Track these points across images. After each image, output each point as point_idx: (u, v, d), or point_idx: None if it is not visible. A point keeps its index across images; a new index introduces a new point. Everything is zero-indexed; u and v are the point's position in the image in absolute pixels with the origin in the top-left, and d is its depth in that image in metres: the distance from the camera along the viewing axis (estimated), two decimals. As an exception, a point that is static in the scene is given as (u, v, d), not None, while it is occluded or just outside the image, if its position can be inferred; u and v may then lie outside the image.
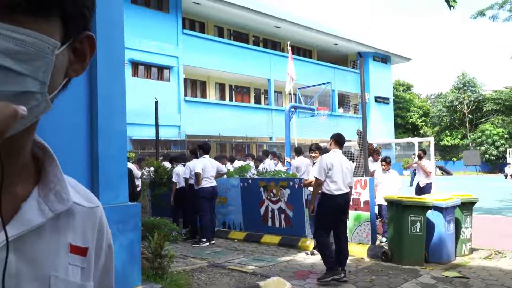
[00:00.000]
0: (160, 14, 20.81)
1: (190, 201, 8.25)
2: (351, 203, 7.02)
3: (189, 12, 22.83)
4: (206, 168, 7.97)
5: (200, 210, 8.02)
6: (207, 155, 8.21)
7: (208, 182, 7.99)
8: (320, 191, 5.59)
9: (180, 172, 8.74)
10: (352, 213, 7.08)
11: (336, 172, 5.51)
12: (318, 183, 5.56)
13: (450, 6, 7.48)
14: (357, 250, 6.81)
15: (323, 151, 7.09)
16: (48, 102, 0.54)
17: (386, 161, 8.13)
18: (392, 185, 7.83)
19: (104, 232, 0.70)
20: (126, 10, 18.36)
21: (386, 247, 6.62)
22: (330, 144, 5.81)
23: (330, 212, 5.52)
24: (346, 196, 5.61)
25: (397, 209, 6.26)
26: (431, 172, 9.54)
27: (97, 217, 0.68)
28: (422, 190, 9.37)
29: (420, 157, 9.96)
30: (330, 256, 5.49)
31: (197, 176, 7.90)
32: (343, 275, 5.42)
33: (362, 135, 7.78)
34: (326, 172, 5.50)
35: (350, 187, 5.79)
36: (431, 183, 9.59)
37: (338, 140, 5.76)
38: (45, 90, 0.53)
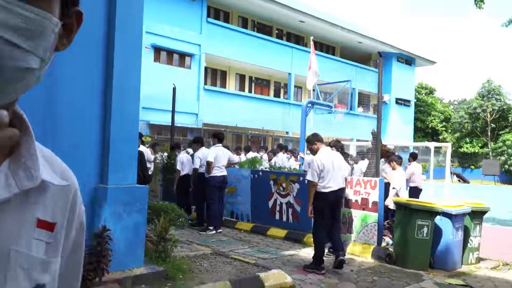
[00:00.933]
0: (185, 1, 20.87)
1: (198, 189, 8.31)
2: (360, 202, 7.03)
3: (215, 1, 22.82)
4: (218, 157, 7.99)
5: (209, 198, 8.07)
6: (220, 144, 8.23)
7: (219, 171, 8.02)
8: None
9: (184, 160, 8.81)
10: (360, 213, 7.06)
11: (327, 171, 5.78)
12: (313, 185, 5.81)
13: (476, 4, 7.30)
14: (362, 250, 6.79)
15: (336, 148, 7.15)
16: (40, 78, 0.56)
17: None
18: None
19: (77, 210, 0.68)
20: (152, -4, 18.25)
21: (391, 249, 6.58)
22: (317, 147, 6.02)
23: (324, 208, 5.81)
24: (338, 193, 5.89)
25: (405, 212, 6.20)
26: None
27: (69, 195, 0.66)
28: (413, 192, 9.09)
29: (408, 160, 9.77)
30: (321, 253, 5.80)
31: (209, 164, 7.93)
32: (323, 272, 5.70)
33: (376, 136, 7.71)
34: (319, 173, 5.77)
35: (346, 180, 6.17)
36: (415, 187, 9.21)
37: (318, 138, 6.04)
38: (43, 67, 0.55)
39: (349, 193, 7.18)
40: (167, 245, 5.02)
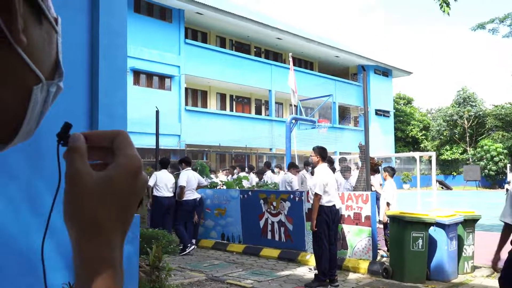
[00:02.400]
0: (162, 24, 20.89)
1: (167, 212, 8.44)
2: (352, 217, 6.98)
3: (192, 22, 22.92)
4: (190, 180, 8.26)
5: (177, 220, 8.26)
6: (189, 168, 8.50)
7: (191, 194, 8.27)
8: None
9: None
10: (353, 228, 6.99)
11: (330, 186, 5.98)
12: (319, 199, 5.92)
13: (442, 9, 7.38)
14: (358, 266, 6.70)
15: (307, 164, 7.32)
16: None
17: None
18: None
19: None
20: (129, 19, 18.48)
21: (387, 263, 6.52)
22: (318, 160, 6.08)
23: (327, 222, 5.93)
24: (336, 207, 6.07)
25: (399, 225, 6.17)
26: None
27: None
28: None
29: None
30: (325, 267, 5.85)
31: (181, 189, 8.19)
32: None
33: (364, 149, 7.71)
34: (324, 187, 5.90)
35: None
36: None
37: (323, 155, 6.12)
38: None
39: (342, 208, 7.12)
40: (161, 275, 4.85)
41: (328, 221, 5.94)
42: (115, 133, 0.50)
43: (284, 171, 12.18)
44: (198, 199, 8.56)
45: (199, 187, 8.66)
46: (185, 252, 7.98)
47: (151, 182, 8.19)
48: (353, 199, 7.02)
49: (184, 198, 8.20)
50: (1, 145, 0.44)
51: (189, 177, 8.28)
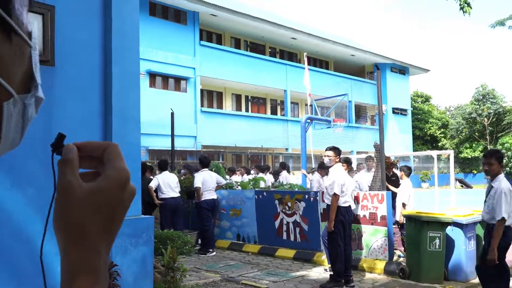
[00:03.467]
0: (178, 26, 21.05)
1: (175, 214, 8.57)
2: (368, 217, 6.92)
3: (207, 24, 23.04)
4: (206, 181, 8.22)
5: (204, 221, 8.25)
6: (206, 169, 8.43)
7: (208, 195, 8.25)
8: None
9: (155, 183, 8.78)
10: (369, 228, 6.93)
11: (347, 187, 6.00)
12: (338, 199, 5.92)
13: (463, 9, 7.26)
14: (374, 266, 6.64)
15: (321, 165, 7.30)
16: None
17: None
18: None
19: None
20: (145, 22, 18.70)
21: (404, 264, 6.44)
22: (336, 160, 6.09)
23: (343, 223, 5.95)
24: (351, 208, 6.10)
25: (416, 224, 6.09)
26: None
27: None
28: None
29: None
30: (340, 268, 5.85)
31: (197, 190, 8.21)
32: None
33: (379, 148, 7.64)
34: (341, 187, 5.90)
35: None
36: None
37: (339, 153, 6.16)
38: None
39: (357, 208, 7.07)
40: (176, 275, 4.89)
41: (344, 222, 5.94)
42: (105, 145, 0.52)
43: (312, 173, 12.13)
44: (217, 199, 8.54)
45: (219, 187, 8.62)
46: (206, 255, 8.02)
47: (153, 184, 8.28)
48: (369, 199, 6.96)
49: (203, 198, 8.19)
50: None
51: (205, 177, 8.26)
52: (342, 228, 5.92)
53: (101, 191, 0.49)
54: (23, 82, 0.45)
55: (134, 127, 4.43)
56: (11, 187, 3.45)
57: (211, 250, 8.21)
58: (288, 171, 12.39)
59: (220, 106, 24.64)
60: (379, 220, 6.83)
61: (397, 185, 7.80)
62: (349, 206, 6.02)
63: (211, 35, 24.41)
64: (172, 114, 10.38)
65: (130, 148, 4.39)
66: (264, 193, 8.60)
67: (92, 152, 0.52)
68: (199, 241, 8.57)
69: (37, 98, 0.47)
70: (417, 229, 6.04)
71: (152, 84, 20.05)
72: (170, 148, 10.86)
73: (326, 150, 6.20)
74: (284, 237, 8.06)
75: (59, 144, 0.52)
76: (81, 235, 0.48)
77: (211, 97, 24.57)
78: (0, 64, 0.41)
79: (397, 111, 32.73)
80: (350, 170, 8.19)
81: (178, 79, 21.00)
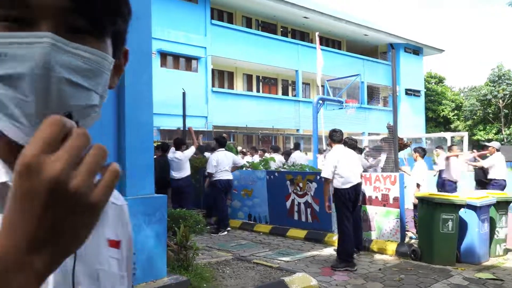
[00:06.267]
0: (188, 5, 20.82)
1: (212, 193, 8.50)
2: (380, 199, 6.90)
3: (218, 2, 22.75)
4: (221, 160, 8.13)
5: (218, 201, 8.27)
6: (223, 148, 8.34)
7: (223, 175, 8.16)
8: (330, 188, 6.14)
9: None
10: (381, 209, 6.91)
11: (343, 167, 5.92)
12: (328, 182, 6.04)
13: None
14: (385, 247, 6.65)
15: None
16: (100, 112, 0.60)
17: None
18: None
19: (129, 226, 0.76)
20: (155, 1, 18.44)
21: (415, 245, 6.43)
22: (329, 143, 6.28)
23: (345, 204, 5.94)
24: (357, 187, 6.01)
25: (428, 206, 6.05)
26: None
27: (125, 213, 0.74)
28: (443, 186, 9.13)
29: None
30: (350, 247, 5.91)
31: (209, 175, 8.25)
32: (355, 268, 5.79)
33: (392, 129, 7.55)
34: (333, 170, 5.92)
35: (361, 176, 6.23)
36: (453, 181, 9.26)
37: (334, 137, 6.15)
38: (102, 103, 0.60)
39: (369, 190, 7.04)
40: (188, 254, 4.94)
41: (346, 203, 5.92)
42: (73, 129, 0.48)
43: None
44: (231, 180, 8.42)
45: (235, 168, 8.54)
46: (218, 235, 8.09)
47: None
48: (381, 180, 6.92)
49: (217, 178, 8.11)
50: None
51: (220, 157, 8.16)
52: (346, 209, 5.92)
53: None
54: None
55: (146, 107, 4.42)
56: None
57: (222, 229, 8.25)
58: (300, 151, 12.33)
59: (231, 86, 24.52)
60: (391, 202, 6.80)
61: None
62: (351, 187, 5.93)
63: (222, 14, 24.12)
64: (184, 94, 10.35)
65: (143, 128, 4.39)
66: (276, 174, 8.60)
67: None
68: (211, 221, 8.64)
69: None
70: (430, 211, 6.00)
71: (163, 63, 19.98)
72: (177, 128, 10.88)
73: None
74: (296, 217, 8.09)
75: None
76: None
77: (222, 77, 24.45)
78: None
79: (410, 92, 32.28)
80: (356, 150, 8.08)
81: (189, 59, 20.89)
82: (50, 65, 0.51)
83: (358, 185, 6.07)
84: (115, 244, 0.68)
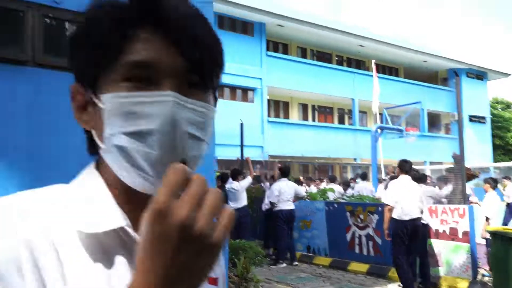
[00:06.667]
0: (245, 38, 21.45)
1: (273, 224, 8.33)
2: (448, 233, 6.53)
3: (273, 34, 23.25)
4: (283, 190, 8.02)
5: (278, 231, 8.09)
6: (286, 178, 8.24)
7: (285, 205, 8.02)
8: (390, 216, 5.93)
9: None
10: (449, 244, 6.53)
11: (404, 198, 5.76)
12: (389, 209, 5.87)
13: None
14: (456, 285, 6.22)
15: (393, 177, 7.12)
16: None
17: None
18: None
19: (222, 264, 0.77)
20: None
21: (489, 284, 5.97)
22: (398, 172, 6.18)
23: (401, 237, 5.75)
24: (416, 221, 5.80)
25: (503, 242, 5.61)
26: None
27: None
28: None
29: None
30: (408, 280, 5.72)
31: (272, 204, 8.12)
32: None
33: (458, 159, 7.20)
34: (395, 198, 5.79)
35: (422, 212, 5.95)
36: None
37: (402, 167, 6.04)
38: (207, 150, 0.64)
39: (435, 223, 6.69)
40: (249, 286, 4.90)
41: (402, 236, 5.74)
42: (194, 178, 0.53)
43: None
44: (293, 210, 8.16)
45: (298, 198, 8.37)
46: (276, 266, 7.94)
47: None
48: (448, 213, 6.56)
49: (279, 208, 7.98)
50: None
51: (282, 187, 8.06)
52: (400, 241, 5.75)
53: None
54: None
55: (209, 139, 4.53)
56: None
57: (281, 261, 8.10)
58: (367, 181, 11.92)
59: (286, 116, 24.66)
60: (460, 236, 6.41)
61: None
62: (410, 220, 5.72)
63: (278, 45, 24.58)
64: (242, 125, 10.53)
65: (206, 159, 4.48)
66: (335, 205, 8.42)
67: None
68: (269, 252, 8.56)
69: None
70: (505, 246, 5.56)
71: (220, 95, 20.55)
72: (237, 158, 11.02)
73: None
74: (357, 250, 7.82)
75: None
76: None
77: (278, 107, 24.67)
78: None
79: (475, 119, 30.76)
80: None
81: (245, 90, 21.35)
82: (176, 121, 0.57)
83: (417, 220, 5.85)
84: (213, 281, 0.70)
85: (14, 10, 3.85)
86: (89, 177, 0.62)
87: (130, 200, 0.60)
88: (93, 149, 0.63)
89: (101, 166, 0.63)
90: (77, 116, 0.63)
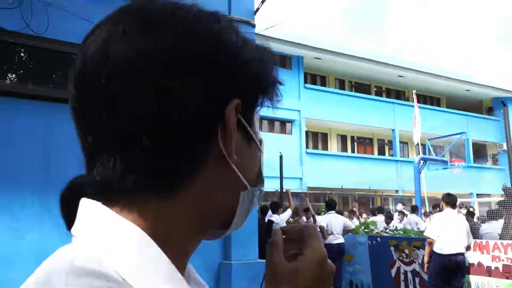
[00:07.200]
0: (283, 71, 21.76)
1: None
2: (501, 270, 6.17)
3: (311, 67, 23.47)
4: (331, 224, 7.84)
5: None
6: (333, 211, 8.11)
7: (334, 238, 7.82)
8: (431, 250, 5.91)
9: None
10: (503, 282, 6.14)
11: (448, 231, 5.67)
12: (430, 242, 5.83)
13: None
14: (512, 328, 5.81)
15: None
16: None
17: None
18: None
19: None
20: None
21: (551, 327, 5.54)
22: (442, 206, 6.13)
23: (440, 272, 5.67)
24: (458, 257, 5.72)
25: None
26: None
27: None
28: None
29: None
30: None
31: (321, 229, 7.75)
32: None
33: (509, 191, 6.88)
34: (438, 231, 5.73)
35: (468, 248, 5.86)
36: None
37: (447, 200, 5.98)
38: None
39: (486, 259, 6.34)
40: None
41: (441, 271, 5.64)
42: (303, 227, 0.59)
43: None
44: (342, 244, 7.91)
45: (346, 231, 8.15)
46: None
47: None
48: (501, 249, 6.21)
49: (327, 242, 7.75)
50: (222, 231, 0.57)
51: (331, 220, 7.92)
52: (438, 277, 5.67)
53: (300, 270, 0.54)
54: (254, 178, 0.57)
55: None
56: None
57: None
58: (417, 215, 11.39)
59: (325, 147, 24.50)
60: (515, 274, 6.02)
61: None
62: (452, 255, 5.62)
63: (315, 78, 24.75)
64: (281, 157, 10.56)
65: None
66: (378, 239, 8.16)
67: (293, 236, 0.59)
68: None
69: (261, 191, 0.58)
70: None
71: (259, 128, 20.75)
72: (275, 190, 10.99)
73: None
74: (402, 287, 7.49)
75: (268, 230, 0.58)
76: None
77: (316, 139, 24.59)
78: (242, 164, 0.53)
79: (524, 148, 29.37)
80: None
81: (283, 122, 21.47)
82: None
83: (460, 255, 5.72)
84: None
85: (67, 53, 4.12)
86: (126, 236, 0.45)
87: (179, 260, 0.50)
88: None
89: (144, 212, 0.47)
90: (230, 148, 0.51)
